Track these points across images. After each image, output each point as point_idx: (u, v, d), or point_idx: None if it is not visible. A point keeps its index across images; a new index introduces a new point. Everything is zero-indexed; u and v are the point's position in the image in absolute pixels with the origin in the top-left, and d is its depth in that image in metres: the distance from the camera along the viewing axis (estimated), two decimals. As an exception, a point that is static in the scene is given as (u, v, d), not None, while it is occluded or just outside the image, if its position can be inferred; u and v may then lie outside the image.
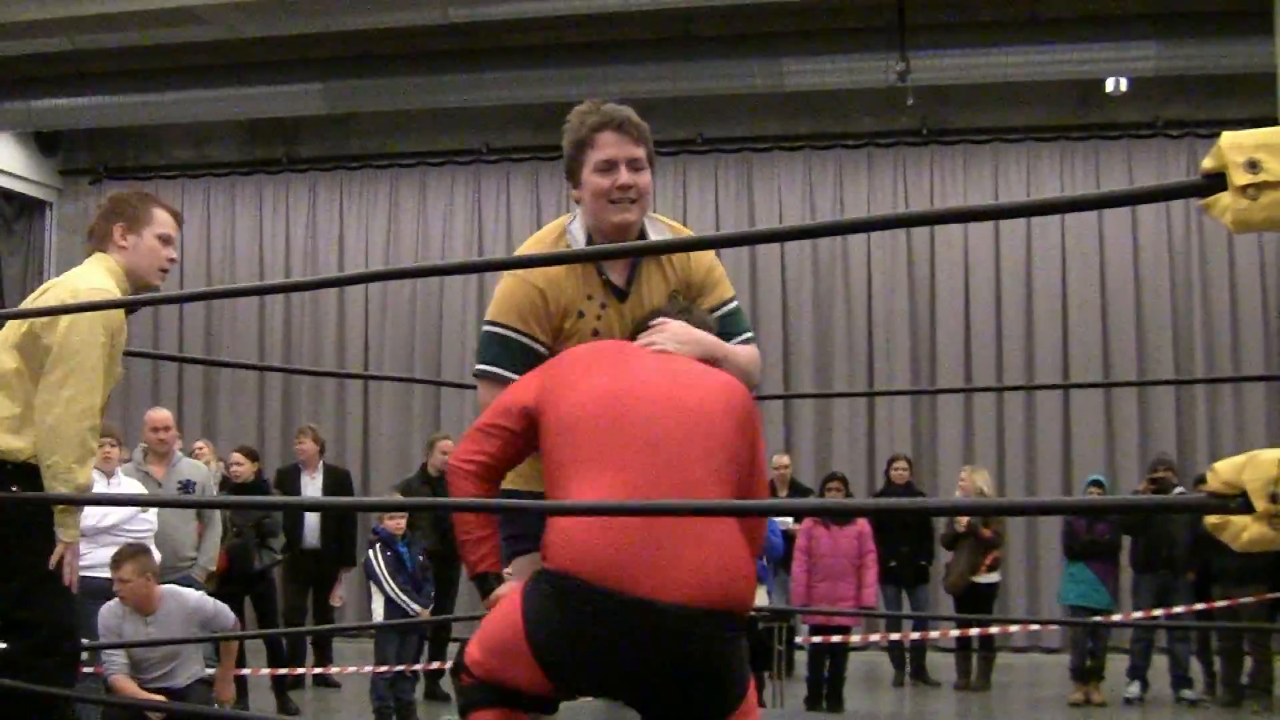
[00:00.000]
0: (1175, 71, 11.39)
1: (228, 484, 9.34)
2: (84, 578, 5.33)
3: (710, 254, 3.43)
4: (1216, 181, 1.95)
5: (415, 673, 8.66)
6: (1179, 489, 9.29)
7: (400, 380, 13.60)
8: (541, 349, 3.20)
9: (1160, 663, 9.62)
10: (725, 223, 13.18)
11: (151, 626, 6.14)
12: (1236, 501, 1.95)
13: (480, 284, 13.26)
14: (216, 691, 6.17)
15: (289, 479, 9.95)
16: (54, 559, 3.82)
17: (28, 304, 4.14)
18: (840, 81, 11.76)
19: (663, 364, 3.01)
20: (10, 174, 14.02)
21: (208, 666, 6.46)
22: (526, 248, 3.45)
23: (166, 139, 14.34)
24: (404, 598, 8.44)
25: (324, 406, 13.75)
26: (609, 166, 3.18)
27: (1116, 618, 9.40)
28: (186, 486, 7.85)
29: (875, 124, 12.89)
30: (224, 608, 6.37)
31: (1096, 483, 9.88)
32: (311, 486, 9.86)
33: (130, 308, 4.08)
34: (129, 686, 6.03)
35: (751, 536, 2.95)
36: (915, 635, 10.60)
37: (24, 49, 11.89)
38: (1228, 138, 1.93)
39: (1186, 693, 9.39)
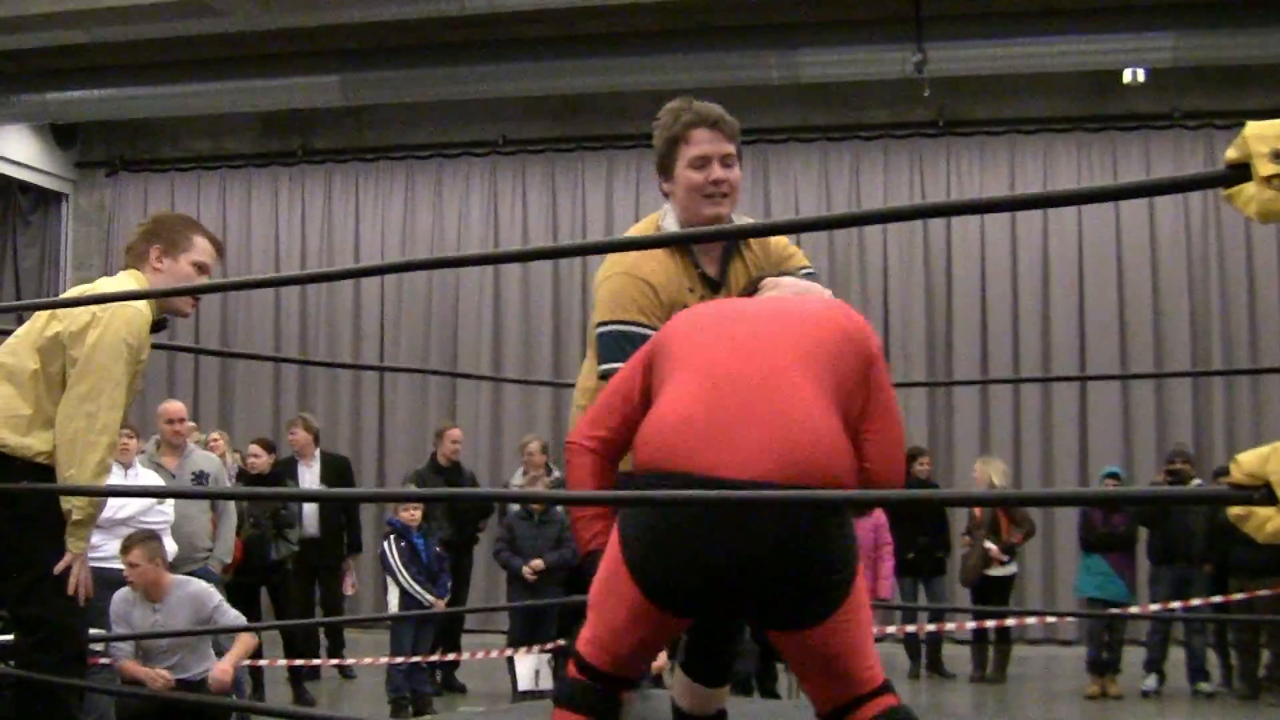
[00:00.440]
0: (1193, 62, 11.32)
1: (244, 475, 9.35)
2: (100, 568, 5.37)
3: (784, 237, 3.63)
4: (1240, 172, 1.94)
5: (431, 664, 8.67)
6: (1196, 481, 9.26)
7: (416, 371, 13.60)
8: None
9: (1177, 655, 9.59)
10: (740, 214, 13.11)
11: (159, 614, 6.13)
12: (1260, 493, 1.94)
13: (496, 275, 13.26)
14: (212, 676, 6.12)
15: (286, 470, 9.80)
16: (60, 567, 3.83)
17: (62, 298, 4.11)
18: (856, 73, 11.76)
19: (774, 297, 3.09)
20: (26, 166, 14.07)
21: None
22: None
23: (182, 131, 14.35)
24: (418, 589, 8.45)
25: (339, 398, 13.79)
26: (703, 162, 3.34)
27: (1133, 610, 9.38)
28: (199, 478, 7.86)
29: (891, 115, 12.85)
30: (227, 606, 6.31)
31: (1113, 474, 9.85)
32: (309, 476, 9.84)
33: (155, 327, 4.07)
34: (136, 669, 6.03)
35: (875, 442, 2.82)
36: (931, 627, 10.55)
37: (40, 41, 11.94)
38: (1252, 128, 1.92)
39: (1203, 685, 9.37)
